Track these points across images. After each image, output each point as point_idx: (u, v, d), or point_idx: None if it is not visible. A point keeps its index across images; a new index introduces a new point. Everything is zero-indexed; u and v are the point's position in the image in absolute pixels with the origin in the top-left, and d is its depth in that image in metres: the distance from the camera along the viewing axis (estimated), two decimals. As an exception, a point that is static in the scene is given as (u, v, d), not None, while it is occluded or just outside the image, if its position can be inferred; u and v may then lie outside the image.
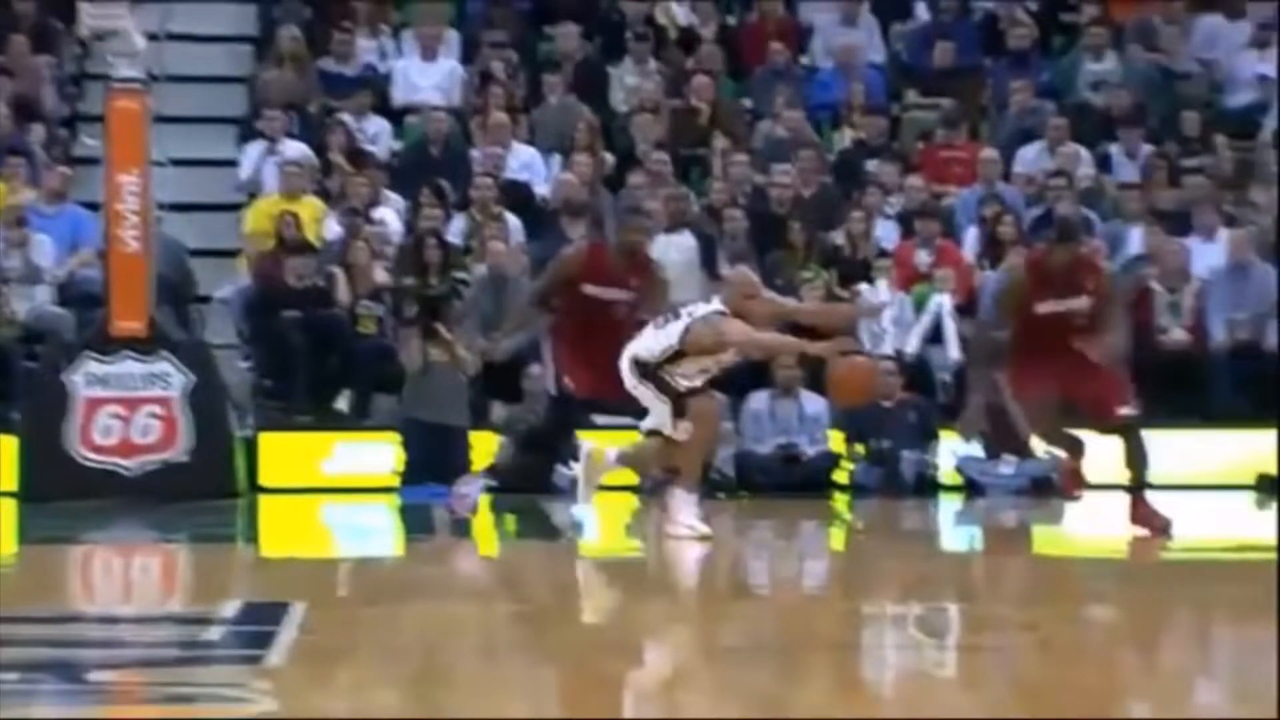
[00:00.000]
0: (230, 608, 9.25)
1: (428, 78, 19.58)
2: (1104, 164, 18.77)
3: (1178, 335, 17.21)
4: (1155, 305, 17.08)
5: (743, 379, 16.86)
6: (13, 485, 16.01)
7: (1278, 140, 18.81)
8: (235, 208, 18.61)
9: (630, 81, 19.57)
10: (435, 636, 8.79)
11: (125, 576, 11.46)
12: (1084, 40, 19.74)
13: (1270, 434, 16.07)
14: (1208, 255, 17.68)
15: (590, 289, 12.58)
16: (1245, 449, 16.71)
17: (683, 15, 20.21)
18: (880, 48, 20.18)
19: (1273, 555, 10.12)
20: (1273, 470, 16.07)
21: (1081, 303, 11.76)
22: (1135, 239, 17.76)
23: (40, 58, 19.23)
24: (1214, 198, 18.07)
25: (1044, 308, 11.71)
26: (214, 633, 8.50)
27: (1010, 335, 11.99)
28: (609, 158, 18.81)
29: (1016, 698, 7.26)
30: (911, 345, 17.04)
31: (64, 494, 15.50)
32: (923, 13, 20.42)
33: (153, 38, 17.07)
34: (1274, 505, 15.27)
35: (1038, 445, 15.94)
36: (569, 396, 12.78)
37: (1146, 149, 18.81)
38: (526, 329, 13.91)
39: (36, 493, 15.70)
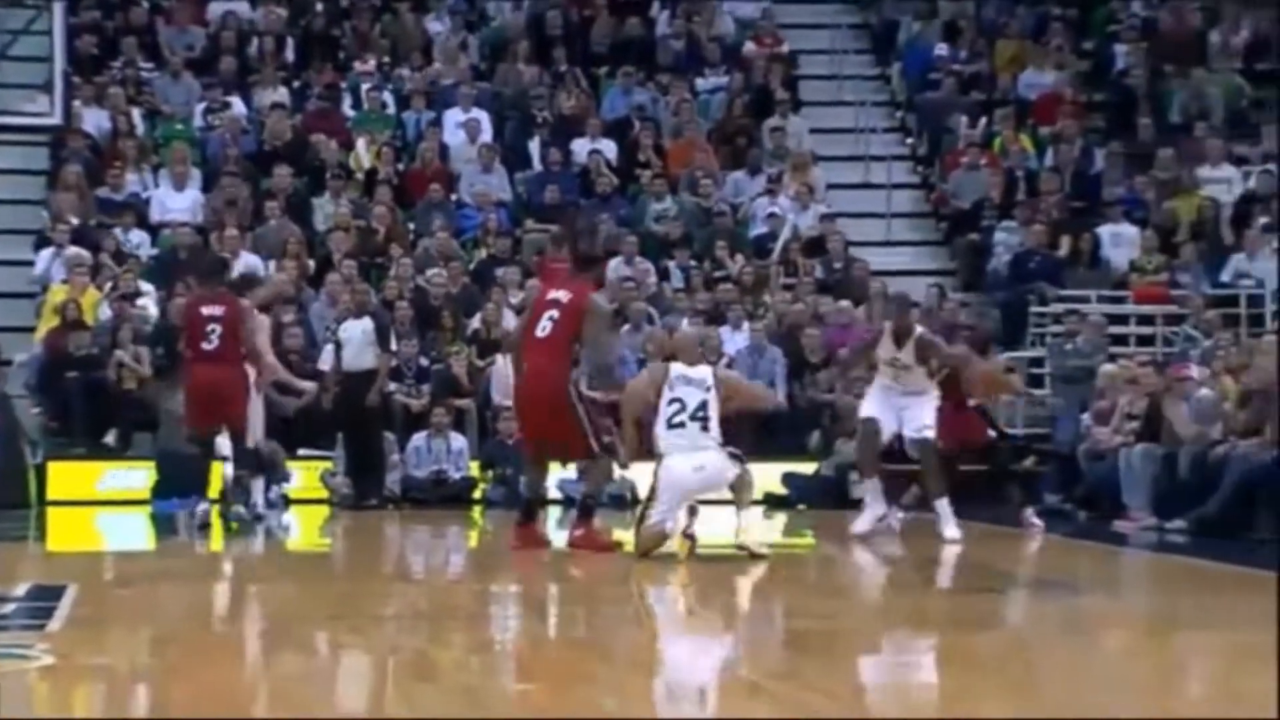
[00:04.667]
0: (21, 588, 8.96)
1: (178, 202, 19.21)
2: (664, 274, 19.05)
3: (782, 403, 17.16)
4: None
5: (408, 421, 16.81)
6: None
7: (782, 259, 19.24)
8: (30, 296, 18.09)
9: (328, 209, 19.38)
10: (175, 610, 8.61)
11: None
12: (649, 187, 20.01)
13: (774, 465, 16.28)
14: (735, 340, 18.00)
15: None
16: (757, 476, 16.82)
17: (367, 161, 20.07)
18: (507, 188, 20.25)
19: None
20: (776, 489, 16.28)
21: None
22: (684, 327, 17.90)
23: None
24: (738, 300, 18.41)
25: None
26: (8, 607, 8.23)
27: None
28: (311, 263, 18.60)
29: (608, 653, 7.33)
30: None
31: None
32: (537, 164, 20.54)
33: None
34: (779, 515, 15.52)
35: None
36: None
37: (692, 265, 19.13)
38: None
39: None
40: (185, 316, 13.42)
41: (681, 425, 10.54)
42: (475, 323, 17.93)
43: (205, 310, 13.14)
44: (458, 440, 16.63)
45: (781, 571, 10.43)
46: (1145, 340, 18.15)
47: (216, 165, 19.70)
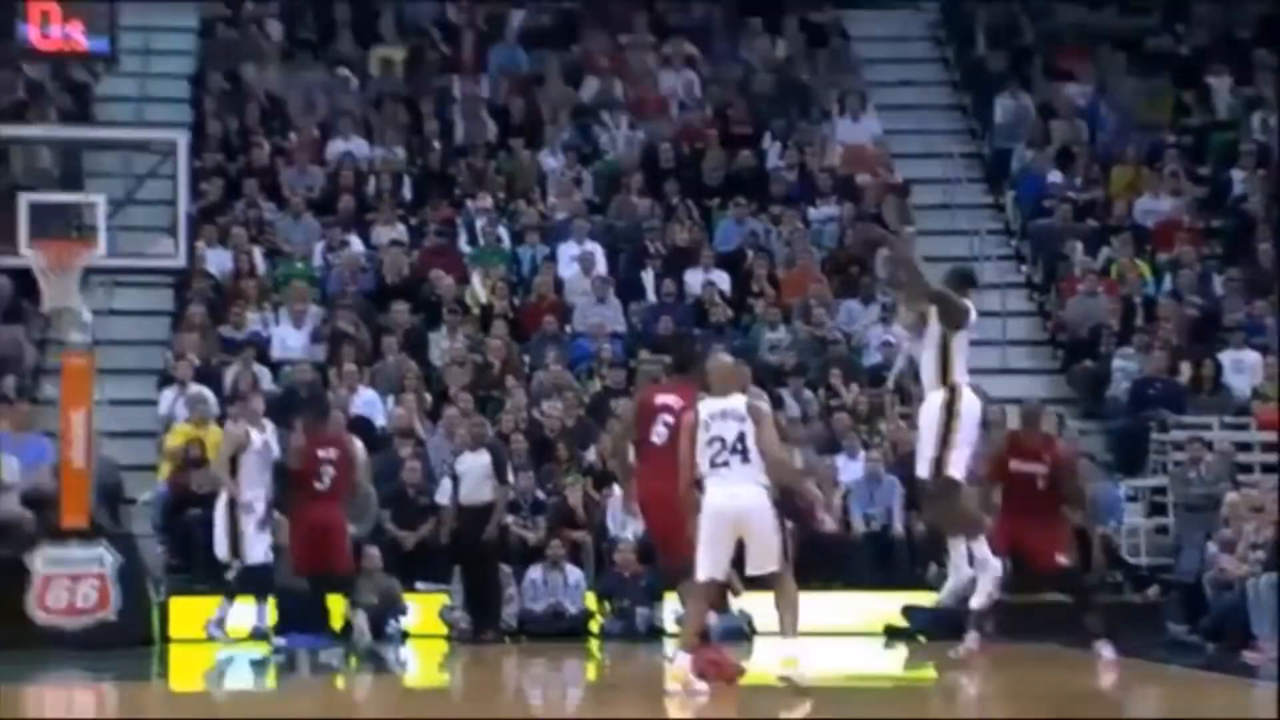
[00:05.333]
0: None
1: (297, 339, 19.53)
2: (778, 403, 18.98)
3: (829, 525, 17.27)
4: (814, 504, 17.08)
5: (524, 554, 16.83)
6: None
7: (897, 389, 19.16)
8: (154, 435, 18.38)
9: (444, 344, 19.60)
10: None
11: (69, 705, 11.16)
12: (763, 316, 20.06)
13: (893, 595, 16.15)
14: (851, 469, 17.93)
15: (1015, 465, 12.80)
16: (876, 607, 16.75)
17: (483, 296, 20.31)
18: (621, 320, 20.36)
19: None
20: (896, 621, 16.15)
21: None
22: (797, 458, 17.88)
23: (15, 327, 19.03)
24: (853, 428, 18.37)
25: None
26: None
27: None
28: (428, 397, 18.79)
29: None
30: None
31: (24, 646, 15.01)
32: (651, 296, 20.66)
33: (97, 313, 16.98)
34: (899, 646, 15.37)
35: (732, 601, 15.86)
36: None
37: (807, 394, 19.10)
38: None
39: (3, 646, 15.17)
40: (301, 458, 13.65)
41: (725, 464, 10.18)
42: (590, 454, 17.99)
43: (320, 453, 13.40)
44: (574, 573, 16.65)
45: (902, 704, 10.29)
46: (1270, 468, 17.86)
47: (335, 302, 20.00)
